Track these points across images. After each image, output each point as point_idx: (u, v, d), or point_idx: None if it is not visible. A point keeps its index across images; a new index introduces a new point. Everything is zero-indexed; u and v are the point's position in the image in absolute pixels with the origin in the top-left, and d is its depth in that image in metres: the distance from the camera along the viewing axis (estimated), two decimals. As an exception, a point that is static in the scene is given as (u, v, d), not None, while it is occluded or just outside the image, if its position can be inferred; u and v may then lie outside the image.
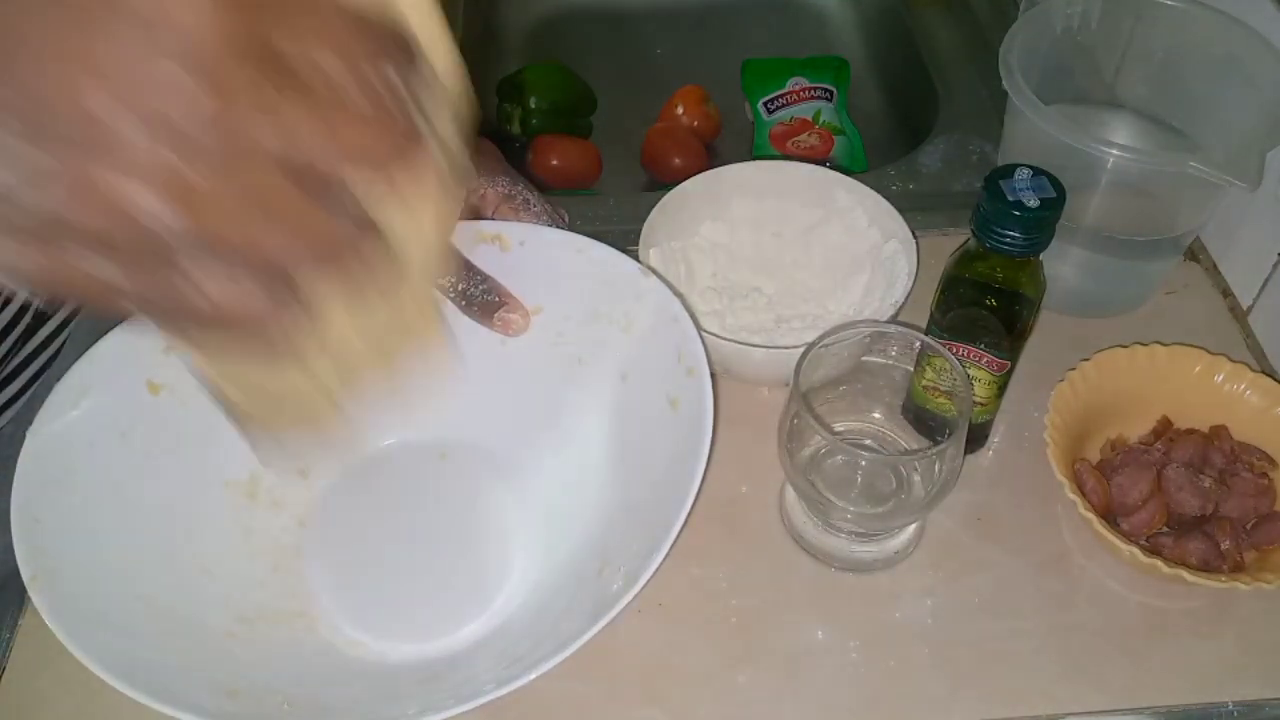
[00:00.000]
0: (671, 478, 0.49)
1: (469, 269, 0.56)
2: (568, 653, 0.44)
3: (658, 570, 0.45)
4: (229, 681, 0.47)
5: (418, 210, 0.32)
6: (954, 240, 0.54)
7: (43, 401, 0.51)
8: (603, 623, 0.44)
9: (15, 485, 0.49)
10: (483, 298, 0.56)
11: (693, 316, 0.54)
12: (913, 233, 0.63)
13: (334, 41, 0.26)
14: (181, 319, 0.28)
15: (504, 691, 0.43)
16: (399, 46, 0.28)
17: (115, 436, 0.52)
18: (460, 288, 0.56)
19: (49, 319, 0.66)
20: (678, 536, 0.46)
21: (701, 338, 0.53)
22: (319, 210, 0.27)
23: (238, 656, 0.49)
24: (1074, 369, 0.59)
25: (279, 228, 0.26)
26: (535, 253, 0.58)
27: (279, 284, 0.27)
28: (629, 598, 0.45)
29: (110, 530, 0.50)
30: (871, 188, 0.66)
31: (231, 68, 0.24)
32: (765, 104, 0.93)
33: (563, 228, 0.59)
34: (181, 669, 0.46)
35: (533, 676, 0.43)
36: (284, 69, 0.25)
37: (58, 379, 0.52)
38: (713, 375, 0.52)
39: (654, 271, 0.56)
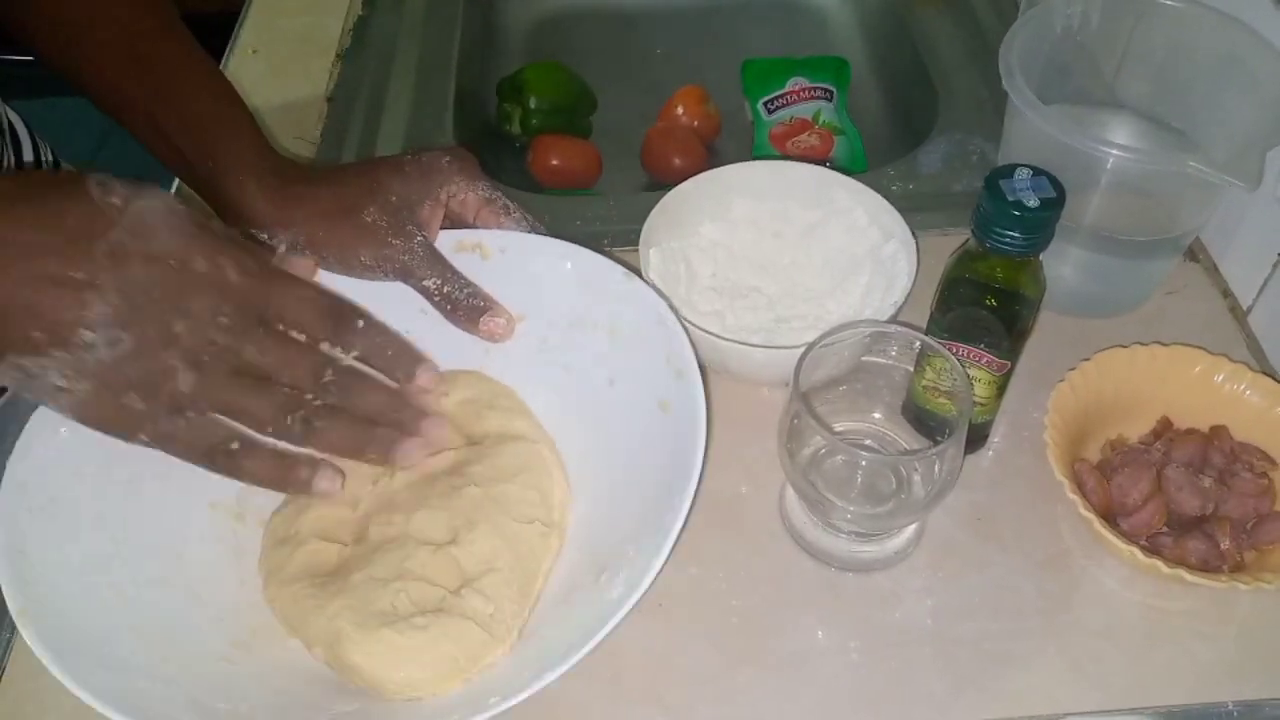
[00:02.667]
0: (667, 480, 0.49)
1: (452, 272, 0.56)
2: (573, 662, 0.43)
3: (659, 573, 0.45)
4: (225, 707, 0.46)
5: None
6: (954, 240, 0.54)
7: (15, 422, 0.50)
8: (608, 629, 0.44)
9: None
10: (467, 301, 0.56)
11: (680, 320, 0.54)
12: (913, 233, 0.63)
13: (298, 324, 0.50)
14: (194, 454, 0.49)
15: (507, 706, 0.43)
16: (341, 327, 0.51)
17: (98, 463, 0.50)
18: (445, 290, 0.55)
19: None
20: (678, 538, 0.46)
21: (690, 338, 0.53)
22: (265, 394, 0.49)
23: (233, 681, 0.48)
24: (1074, 369, 0.59)
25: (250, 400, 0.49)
26: (516, 260, 0.57)
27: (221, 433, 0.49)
28: (632, 602, 0.44)
29: (97, 558, 0.49)
30: (871, 188, 0.66)
31: (243, 315, 0.48)
32: (765, 104, 0.93)
33: (542, 234, 0.59)
34: (176, 697, 0.45)
35: (534, 690, 0.43)
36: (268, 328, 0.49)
37: (34, 406, 0.50)
38: (703, 372, 0.52)
39: (638, 274, 0.55)
